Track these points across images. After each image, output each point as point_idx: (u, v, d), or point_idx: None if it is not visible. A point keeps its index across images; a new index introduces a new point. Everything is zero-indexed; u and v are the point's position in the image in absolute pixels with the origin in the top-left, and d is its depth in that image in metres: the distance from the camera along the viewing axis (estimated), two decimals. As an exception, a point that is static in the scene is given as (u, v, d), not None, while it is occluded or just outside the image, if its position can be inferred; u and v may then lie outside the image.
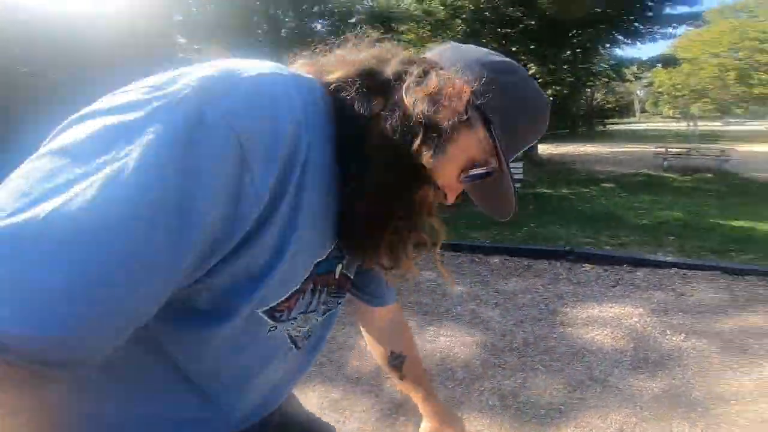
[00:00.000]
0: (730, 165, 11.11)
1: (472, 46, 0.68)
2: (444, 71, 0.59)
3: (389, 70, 0.57)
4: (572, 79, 10.26)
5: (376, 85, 0.56)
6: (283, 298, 0.56)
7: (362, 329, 1.04)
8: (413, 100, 0.53)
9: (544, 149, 13.07)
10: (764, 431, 2.19)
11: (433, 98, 0.54)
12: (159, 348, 0.54)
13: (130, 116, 0.38)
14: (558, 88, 9.82)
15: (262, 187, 0.42)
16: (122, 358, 0.47)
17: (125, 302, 0.37)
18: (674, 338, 3.16)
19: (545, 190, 8.91)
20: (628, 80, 14.17)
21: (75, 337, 0.34)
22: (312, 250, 0.57)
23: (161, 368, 0.56)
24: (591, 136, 17.95)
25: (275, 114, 0.44)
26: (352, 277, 0.73)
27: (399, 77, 0.56)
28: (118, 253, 0.35)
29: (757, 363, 2.79)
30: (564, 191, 8.42)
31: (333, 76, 0.56)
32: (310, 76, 0.57)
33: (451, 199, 0.65)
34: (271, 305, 0.56)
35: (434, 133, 0.53)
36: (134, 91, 0.41)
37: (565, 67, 10.26)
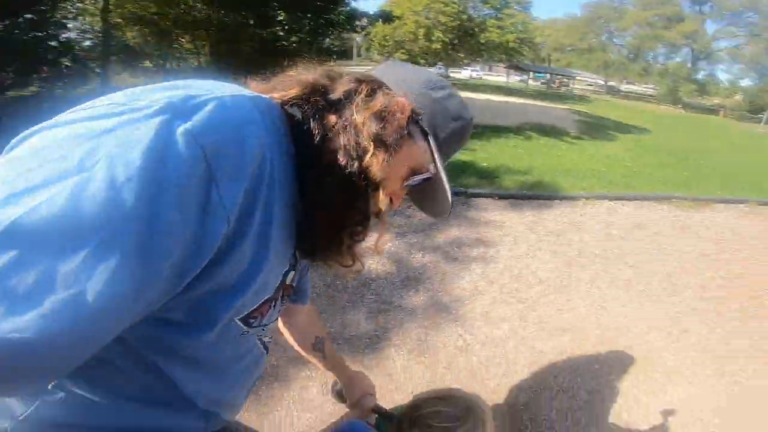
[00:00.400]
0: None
1: (408, 65, 0.73)
2: (388, 90, 0.62)
3: (340, 89, 0.59)
4: (313, 27, 10.23)
5: (328, 103, 0.57)
6: (256, 306, 0.57)
7: (284, 325, 1.06)
8: (363, 118, 0.55)
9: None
10: (491, 321, 3.04)
11: (380, 115, 0.56)
12: (139, 357, 0.53)
13: (95, 127, 0.36)
14: (301, 35, 9.62)
15: (230, 203, 0.41)
16: (110, 371, 0.50)
17: (90, 314, 0.33)
18: (417, 256, 3.85)
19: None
20: (357, 31, 15.29)
21: (38, 342, 0.31)
22: (282, 260, 0.60)
23: (144, 378, 0.55)
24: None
25: (240, 133, 0.43)
26: (295, 284, 0.75)
27: (349, 95, 0.58)
28: (86, 263, 0.32)
29: (466, 268, 3.73)
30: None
31: (289, 95, 0.57)
32: (266, 95, 0.56)
33: (396, 204, 0.68)
34: (246, 313, 0.57)
35: (382, 147, 0.56)
36: (96, 107, 0.39)
37: (309, 15, 10.14)
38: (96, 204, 0.32)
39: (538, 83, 42.65)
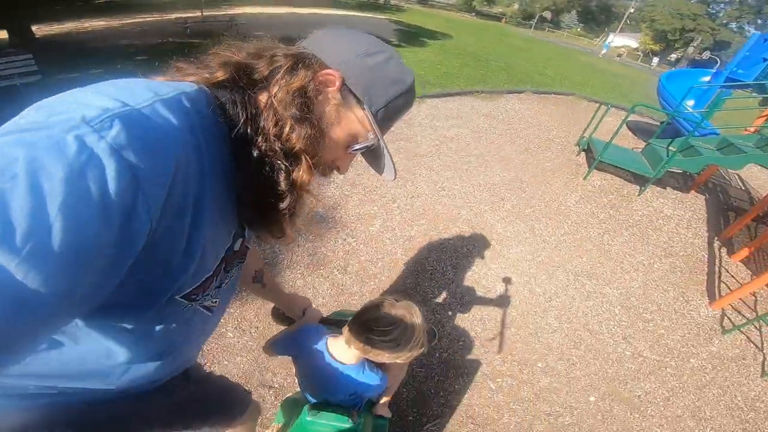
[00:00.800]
0: (240, 28, 11.76)
1: (344, 30, 0.66)
2: (314, 62, 0.58)
3: (264, 67, 0.56)
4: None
5: (253, 82, 0.55)
6: (197, 285, 0.56)
7: None
8: (283, 95, 0.54)
9: (40, 31, 9.10)
10: (364, 220, 3.16)
11: (301, 91, 0.55)
12: (89, 332, 0.53)
13: (13, 141, 0.33)
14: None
15: (155, 206, 0.39)
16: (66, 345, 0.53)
17: (25, 317, 0.31)
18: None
19: (71, 75, 5.99)
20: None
21: None
22: (221, 241, 0.59)
23: (97, 345, 0.56)
24: (90, 10, 13.86)
25: (160, 142, 0.40)
26: (249, 246, 0.73)
27: (272, 73, 0.56)
28: (19, 270, 0.30)
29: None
30: (97, 71, 6.01)
31: (215, 78, 0.54)
32: (193, 82, 0.52)
33: (344, 170, 0.67)
34: (187, 291, 0.56)
35: (302, 122, 0.54)
36: (18, 121, 0.36)
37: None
38: (22, 215, 0.30)
39: (359, -7, 41.09)
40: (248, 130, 0.52)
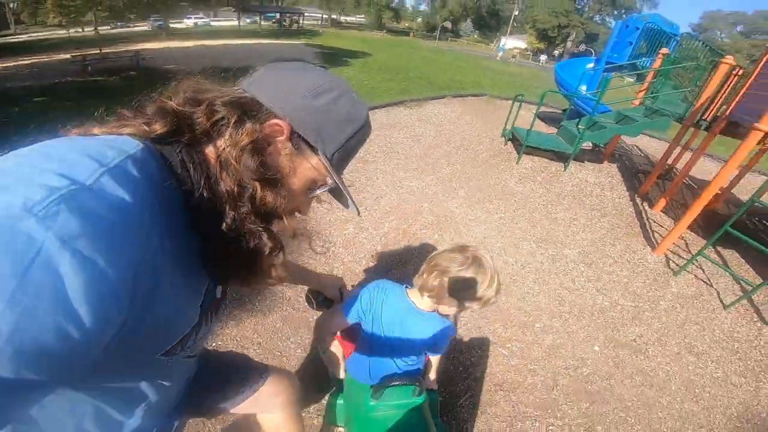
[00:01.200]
0: (147, 62, 10.95)
1: (286, 68, 0.58)
2: (259, 111, 0.52)
3: (205, 119, 0.49)
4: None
5: (195, 138, 0.49)
6: (175, 342, 0.53)
7: None
8: (236, 155, 0.48)
9: None
10: (334, 224, 3.05)
11: (254, 148, 0.49)
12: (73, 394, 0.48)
13: None
14: None
15: (123, 297, 0.36)
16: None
17: None
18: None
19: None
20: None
21: None
22: (190, 301, 0.54)
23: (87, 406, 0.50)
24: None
25: (118, 220, 0.36)
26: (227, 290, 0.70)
27: (216, 125, 0.50)
28: None
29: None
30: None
31: (155, 131, 0.47)
32: (132, 135, 0.46)
33: (305, 212, 0.64)
34: (164, 351, 0.52)
35: (267, 183, 0.51)
36: None
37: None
38: None
39: (270, 23, 40.21)
40: (207, 195, 0.47)
